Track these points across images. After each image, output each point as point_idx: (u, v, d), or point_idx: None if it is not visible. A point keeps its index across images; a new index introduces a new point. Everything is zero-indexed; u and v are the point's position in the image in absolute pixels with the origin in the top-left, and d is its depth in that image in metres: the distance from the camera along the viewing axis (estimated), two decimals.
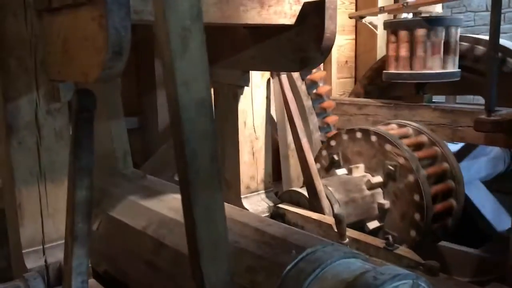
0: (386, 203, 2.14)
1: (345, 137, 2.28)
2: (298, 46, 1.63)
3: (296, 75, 2.60)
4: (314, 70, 2.58)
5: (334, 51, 3.60)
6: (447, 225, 2.21)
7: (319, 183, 1.99)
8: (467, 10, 6.37)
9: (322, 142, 2.70)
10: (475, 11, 6.38)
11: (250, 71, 1.95)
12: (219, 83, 2.05)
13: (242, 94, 1.99)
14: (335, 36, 1.56)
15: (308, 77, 2.56)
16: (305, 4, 1.58)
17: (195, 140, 0.67)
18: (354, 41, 3.85)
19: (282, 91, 2.04)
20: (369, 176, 2.17)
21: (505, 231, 2.64)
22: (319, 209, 1.97)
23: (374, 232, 2.17)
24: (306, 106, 2.57)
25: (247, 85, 1.95)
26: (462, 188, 2.22)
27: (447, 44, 2.54)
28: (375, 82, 3.14)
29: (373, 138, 2.17)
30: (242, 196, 2.05)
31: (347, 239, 1.75)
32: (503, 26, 6.13)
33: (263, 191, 2.12)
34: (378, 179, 2.15)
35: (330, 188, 2.07)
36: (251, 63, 1.84)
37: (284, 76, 2.05)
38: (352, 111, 2.92)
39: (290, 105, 2.02)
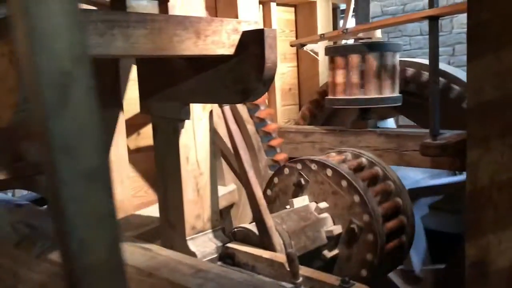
0: (336, 228, 2.08)
1: (286, 171, 2.23)
2: (239, 77, 1.55)
3: (244, 111, 2.53)
4: (262, 108, 2.53)
5: (278, 79, 3.57)
6: (401, 243, 2.16)
7: (269, 218, 1.89)
8: (403, 34, 6.61)
9: (270, 166, 2.63)
10: (410, 35, 6.63)
11: (190, 104, 1.84)
12: (157, 117, 1.93)
13: (183, 127, 1.87)
14: (276, 66, 1.49)
15: (256, 115, 2.49)
16: (244, 33, 1.51)
17: (84, 227, 0.49)
18: (296, 68, 3.84)
19: (225, 123, 1.94)
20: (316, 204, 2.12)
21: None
22: (270, 247, 1.86)
23: (332, 261, 2.10)
24: (250, 132, 2.49)
25: (188, 118, 1.84)
26: (410, 204, 2.20)
27: (384, 69, 2.55)
28: (320, 108, 3.11)
29: (314, 167, 2.13)
30: (187, 238, 1.91)
31: (301, 278, 1.65)
32: (440, 49, 6.45)
33: (211, 230, 1.99)
34: (324, 204, 2.10)
35: (279, 222, 1.97)
36: (190, 95, 1.74)
37: (227, 108, 1.96)
38: (298, 139, 2.87)
39: (235, 137, 1.92)
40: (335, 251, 2.11)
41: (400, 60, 2.64)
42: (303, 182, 2.17)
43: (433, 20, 1.95)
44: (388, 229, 2.09)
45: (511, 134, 1.52)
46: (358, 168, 2.19)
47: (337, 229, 2.09)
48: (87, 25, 1.15)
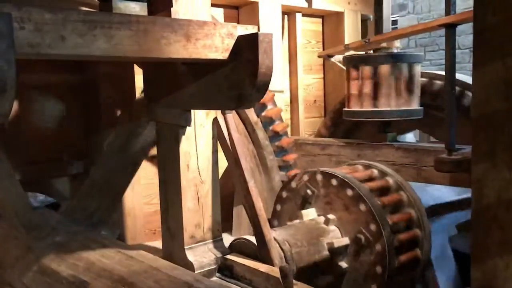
0: (343, 239, 1.99)
1: (294, 184, 2.16)
2: (234, 83, 1.51)
3: (251, 112, 2.49)
4: (269, 107, 2.47)
5: (301, 90, 3.52)
6: (415, 256, 2.04)
7: (268, 231, 1.82)
8: (440, 48, 6.41)
9: (283, 181, 2.56)
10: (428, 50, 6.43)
11: (191, 110, 1.82)
12: (161, 124, 1.92)
13: (184, 134, 1.85)
14: (271, 72, 1.44)
15: (263, 114, 2.44)
16: (239, 38, 1.47)
17: None
18: (322, 80, 3.77)
19: (228, 131, 1.90)
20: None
21: None
22: (269, 260, 1.79)
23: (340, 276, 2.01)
24: (263, 145, 2.43)
25: (189, 125, 1.81)
26: (429, 237, 2.08)
27: (410, 80, 2.45)
28: (342, 119, 3.03)
29: (334, 182, 2.05)
30: (186, 247, 1.87)
31: None
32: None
33: (211, 240, 1.95)
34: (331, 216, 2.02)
35: (280, 234, 1.91)
36: (190, 101, 1.71)
37: (230, 115, 1.92)
38: (315, 152, 2.79)
39: (237, 146, 1.87)
40: (345, 265, 2.01)
41: None
42: (309, 194, 2.10)
43: (450, 28, 1.84)
44: (399, 241, 1.97)
45: None
46: (368, 179, 2.09)
47: (344, 241, 1.99)
48: (67, 25, 1.14)
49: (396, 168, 2.34)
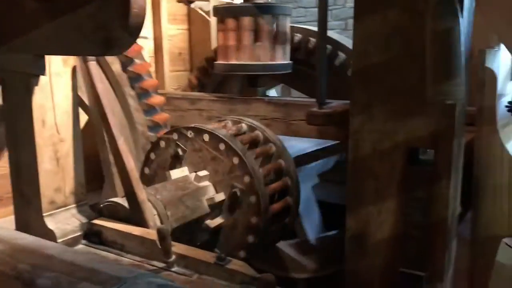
0: (218, 195, 1.95)
1: (162, 144, 2.05)
2: (101, 24, 1.30)
3: (117, 65, 2.25)
4: (137, 61, 2.26)
5: (166, 42, 3.31)
6: (287, 204, 2.09)
7: (142, 191, 1.68)
8: (299, 6, 6.60)
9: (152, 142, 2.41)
10: (306, 7, 6.65)
11: (46, 56, 1.56)
12: (7, 71, 1.61)
13: (37, 85, 1.58)
14: (145, 13, 1.27)
15: (130, 68, 2.22)
16: None
17: None
18: (187, 31, 3.60)
19: (90, 82, 1.68)
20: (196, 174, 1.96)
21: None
22: (142, 222, 1.67)
23: (217, 231, 1.97)
24: (129, 102, 2.23)
25: (43, 74, 1.55)
26: (293, 165, 2.13)
27: (276, 33, 2.42)
28: (209, 76, 2.93)
29: (206, 138, 1.96)
30: (44, 214, 1.65)
31: (174, 256, 1.49)
32: (332, 23, 6.53)
33: (74, 205, 1.74)
34: (204, 172, 1.97)
35: (153, 193, 1.78)
36: (44, 45, 1.45)
37: (93, 63, 1.69)
38: (185, 106, 2.67)
39: (102, 99, 1.67)
40: (219, 220, 1.97)
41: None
42: (180, 152, 1.99)
43: None
44: (271, 190, 1.99)
45: (394, 100, 1.46)
46: (238, 133, 2.06)
47: (219, 197, 1.95)
48: None
49: (267, 123, 2.34)
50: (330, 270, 2.64)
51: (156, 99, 2.38)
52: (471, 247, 1.83)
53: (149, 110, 2.37)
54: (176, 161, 2.02)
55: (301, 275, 2.71)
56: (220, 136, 1.92)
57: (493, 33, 1.75)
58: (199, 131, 1.96)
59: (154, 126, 2.41)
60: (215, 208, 1.95)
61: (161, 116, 2.42)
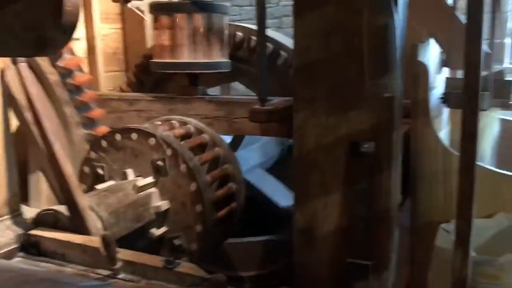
0: (163, 203, 1.90)
1: (104, 143, 1.98)
2: (31, 24, 1.22)
3: (45, 61, 2.13)
4: (67, 56, 2.15)
5: (99, 42, 3.20)
6: (232, 212, 2.08)
7: (82, 198, 1.61)
8: (233, 4, 6.59)
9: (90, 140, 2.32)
10: (240, 6, 6.66)
11: None
12: None
13: None
14: (78, 10, 1.21)
15: (60, 64, 2.11)
16: None
17: None
18: (121, 30, 3.49)
19: (23, 84, 1.58)
20: (138, 179, 1.90)
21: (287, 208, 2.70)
22: (84, 230, 1.60)
23: (161, 239, 1.92)
24: (61, 100, 2.12)
25: None
26: (240, 171, 2.14)
27: (214, 32, 2.39)
28: (147, 74, 2.85)
29: (134, 136, 1.91)
30: None
31: (119, 263, 1.43)
32: (267, 21, 6.57)
33: (8, 216, 1.64)
34: (148, 180, 1.91)
35: (95, 201, 1.71)
36: None
37: (23, 65, 1.60)
38: (123, 108, 2.58)
39: (35, 103, 1.58)
40: (164, 228, 1.93)
41: (229, 25, 2.51)
42: (123, 154, 1.93)
43: None
44: (217, 198, 1.97)
45: (336, 95, 1.49)
46: (185, 136, 2.03)
47: (165, 204, 1.91)
48: None
49: (209, 121, 2.31)
50: (276, 266, 2.67)
51: (90, 95, 2.29)
52: (411, 234, 1.91)
53: (83, 106, 2.28)
54: (120, 163, 1.96)
55: (247, 273, 2.72)
56: (167, 141, 1.88)
57: (423, 29, 1.84)
58: (145, 134, 1.91)
59: (89, 123, 2.32)
60: (160, 216, 1.91)
61: (96, 112, 2.33)
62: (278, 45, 2.47)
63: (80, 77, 2.23)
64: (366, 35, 1.41)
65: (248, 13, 6.57)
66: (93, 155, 2.02)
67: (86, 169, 2.04)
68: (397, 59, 1.44)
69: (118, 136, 1.95)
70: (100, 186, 1.86)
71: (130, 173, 1.92)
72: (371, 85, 1.46)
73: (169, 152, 1.88)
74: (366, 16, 1.38)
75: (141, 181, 1.88)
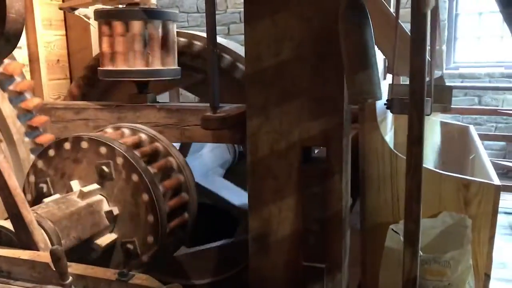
0: (114, 209, 1.86)
1: (52, 153, 1.92)
2: None
3: None
4: (6, 61, 2.07)
5: (42, 49, 3.09)
6: (184, 221, 2.06)
7: (28, 212, 1.54)
8: (181, 11, 6.56)
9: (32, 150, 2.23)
10: (188, 12, 6.63)
11: None
12: None
13: None
14: (23, 17, 1.17)
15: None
16: None
17: None
18: (65, 37, 3.39)
19: None
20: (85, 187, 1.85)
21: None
22: (32, 245, 1.53)
23: (110, 249, 1.87)
24: (2, 109, 2.03)
25: None
26: (193, 180, 2.12)
27: (166, 39, 2.38)
28: (92, 85, 2.78)
29: (85, 145, 1.87)
30: None
31: (70, 278, 1.38)
32: (216, 28, 6.56)
33: None
34: (95, 186, 1.87)
35: (41, 213, 1.65)
36: None
37: None
38: (68, 117, 2.50)
39: None
40: (113, 237, 1.88)
41: None
42: (72, 164, 1.87)
43: None
44: (170, 208, 1.95)
45: (288, 101, 1.52)
46: (137, 145, 1.99)
47: (115, 210, 1.87)
48: None
49: (159, 129, 2.28)
50: (231, 272, 2.66)
51: (33, 102, 2.21)
52: (361, 236, 1.96)
53: (25, 114, 2.20)
54: (69, 173, 1.90)
55: (202, 281, 2.70)
56: (119, 150, 1.84)
57: None
58: (95, 143, 1.86)
59: (32, 131, 2.24)
60: (111, 222, 1.87)
61: (39, 119, 2.25)
62: (222, 48, 2.48)
63: (21, 84, 2.15)
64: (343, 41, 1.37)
65: (195, 20, 6.55)
66: (40, 164, 1.95)
67: (32, 179, 1.96)
68: None
69: (67, 145, 1.89)
70: (47, 199, 1.79)
71: (77, 183, 1.87)
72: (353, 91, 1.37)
73: (120, 161, 1.84)
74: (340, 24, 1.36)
75: (88, 187, 1.84)
